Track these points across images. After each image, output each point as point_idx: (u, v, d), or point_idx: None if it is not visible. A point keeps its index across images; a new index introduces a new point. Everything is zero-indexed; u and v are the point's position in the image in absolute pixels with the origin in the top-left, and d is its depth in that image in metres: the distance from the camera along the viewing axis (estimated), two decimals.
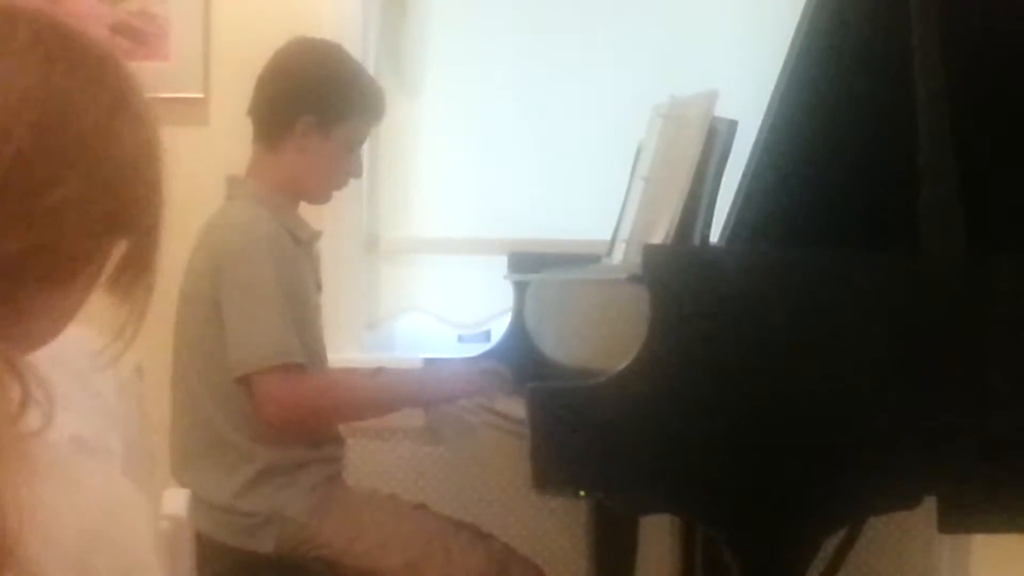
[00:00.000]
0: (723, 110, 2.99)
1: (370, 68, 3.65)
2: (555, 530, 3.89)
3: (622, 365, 2.49)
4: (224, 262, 3.08)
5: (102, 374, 1.80)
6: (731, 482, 2.53)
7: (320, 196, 3.31)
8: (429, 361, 3.59)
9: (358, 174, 3.35)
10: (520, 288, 3.66)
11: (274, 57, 3.26)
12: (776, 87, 2.72)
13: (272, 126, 3.23)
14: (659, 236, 2.97)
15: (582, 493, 2.86)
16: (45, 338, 1.25)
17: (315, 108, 3.19)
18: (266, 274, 3.06)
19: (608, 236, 3.46)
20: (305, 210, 3.30)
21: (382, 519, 3.17)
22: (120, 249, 1.25)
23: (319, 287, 3.30)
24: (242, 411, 3.09)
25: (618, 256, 3.30)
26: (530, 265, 3.64)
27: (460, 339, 3.95)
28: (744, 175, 2.72)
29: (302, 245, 3.21)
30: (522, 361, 3.42)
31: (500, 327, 3.76)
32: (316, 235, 3.29)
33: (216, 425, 3.11)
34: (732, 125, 2.97)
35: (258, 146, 3.26)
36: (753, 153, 2.71)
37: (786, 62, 2.72)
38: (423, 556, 3.11)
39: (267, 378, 3.04)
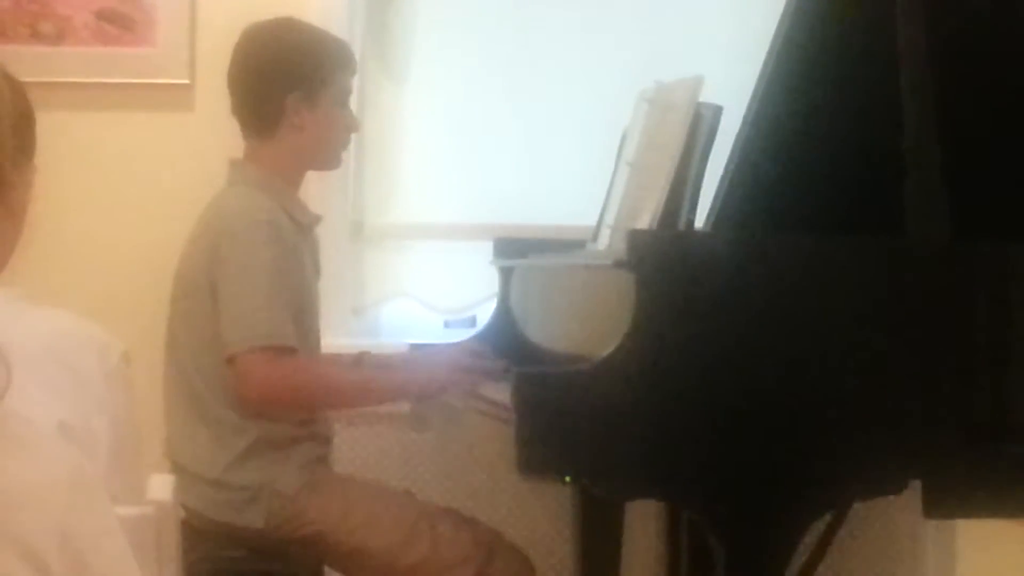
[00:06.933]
0: (708, 95, 2.99)
1: (356, 55, 3.65)
2: (541, 516, 3.90)
3: (608, 350, 2.49)
4: (222, 244, 3.09)
5: (91, 361, 1.81)
6: (716, 468, 2.53)
7: (331, 161, 3.36)
8: (415, 347, 3.59)
9: (356, 127, 3.40)
10: (505, 273, 3.66)
11: (236, 53, 3.27)
12: (761, 72, 2.72)
13: (262, 116, 3.24)
14: (644, 221, 2.97)
15: (567, 478, 2.86)
16: None
17: (298, 83, 3.22)
18: (263, 257, 3.07)
19: (593, 222, 3.46)
20: None
21: (370, 499, 3.18)
22: None
23: (318, 272, 3.31)
24: (231, 390, 3.09)
25: (603, 241, 3.30)
26: (515, 251, 3.64)
27: (446, 324, 3.95)
28: (729, 160, 2.71)
29: (303, 229, 3.23)
30: (507, 346, 3.42)
31: (486, 312, 3.76)
32: (316, 219, 3.31)
33: (207, 402, 3.13)
34: (717, 110, 2.98)
35: (251, 140, 3.28)
36: (738, 138, 2.71)
37: (771, 47, 2.72)
38: (410, 537, 3.12)
39: (250, 358, 3.04)
